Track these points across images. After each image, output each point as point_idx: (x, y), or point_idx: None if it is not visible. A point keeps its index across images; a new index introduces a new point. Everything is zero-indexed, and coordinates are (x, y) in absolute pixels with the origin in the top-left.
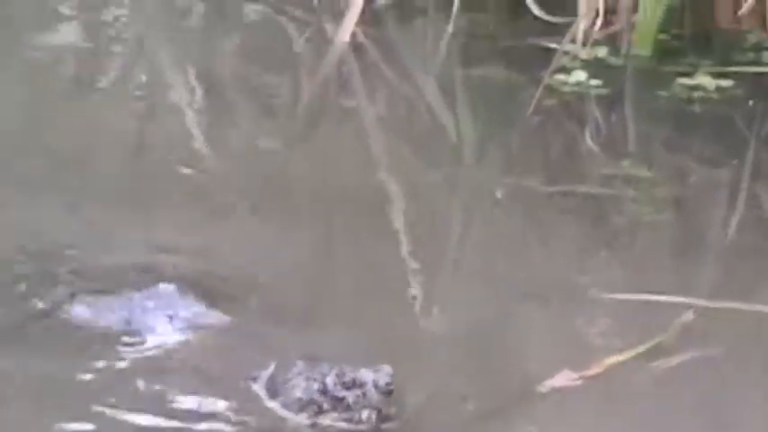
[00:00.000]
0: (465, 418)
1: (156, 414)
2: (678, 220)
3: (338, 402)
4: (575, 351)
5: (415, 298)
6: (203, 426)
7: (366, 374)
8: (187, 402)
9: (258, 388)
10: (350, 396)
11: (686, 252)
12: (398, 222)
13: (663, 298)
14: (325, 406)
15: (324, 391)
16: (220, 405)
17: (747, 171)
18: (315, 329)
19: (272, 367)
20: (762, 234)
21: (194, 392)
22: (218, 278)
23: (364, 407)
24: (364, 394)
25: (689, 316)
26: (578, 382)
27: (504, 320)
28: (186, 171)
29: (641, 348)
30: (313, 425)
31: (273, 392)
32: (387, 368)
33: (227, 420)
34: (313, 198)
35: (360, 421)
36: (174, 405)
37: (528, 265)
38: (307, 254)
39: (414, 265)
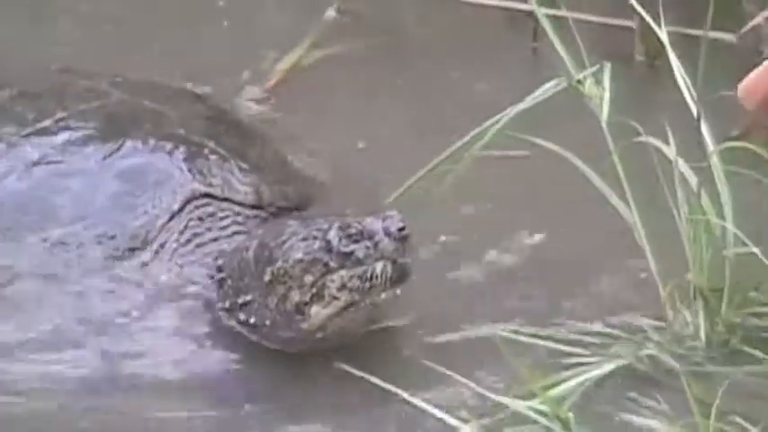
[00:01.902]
0: None
1: None
2: None
3: (346, 258)
4: (246, 55)
5: None
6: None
7: (374, 222)
8: None
9: (247, 260)
10: (359, 249)
11: None
12: None
13: None
14: (332, 264)
15: (328, 248)
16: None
17: None
18: None
19: (258, 233)
20: None
21: None
22: None
23: (377, 259)
24: (375, 245)
25: (332, 13)
26: (266, 95)
27: None
28: None
29: (301, 49)
30: (320, 289)
31: (267, 260)
32: (395, 212)
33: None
34: None
35: (374, 276)
36: None
37: None
38: None
39: None
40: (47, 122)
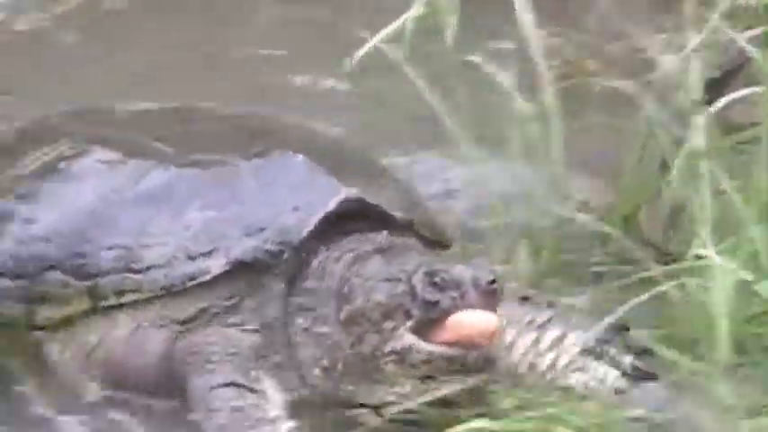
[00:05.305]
0: None
1: None
2: None
3: (430, 307)
4: None
5: None
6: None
7: (463, 271)
8: None
9: (328, 290)
10: (444, 299)
11: None
12: None
13: None
14: (414, 312)
15: (412, 294)
16: None
17: None
18: None
19: (340, 263)
20: None
21: None
22: None
23: (462, 309)
24: (462, 296)
25: None
26: None
27: None
28: None
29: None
30: (399, 337)
31: (345, 298)
32: (484, 262)
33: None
34: None
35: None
36: None
37: None
38: None
39: None
40: (177, 129)
